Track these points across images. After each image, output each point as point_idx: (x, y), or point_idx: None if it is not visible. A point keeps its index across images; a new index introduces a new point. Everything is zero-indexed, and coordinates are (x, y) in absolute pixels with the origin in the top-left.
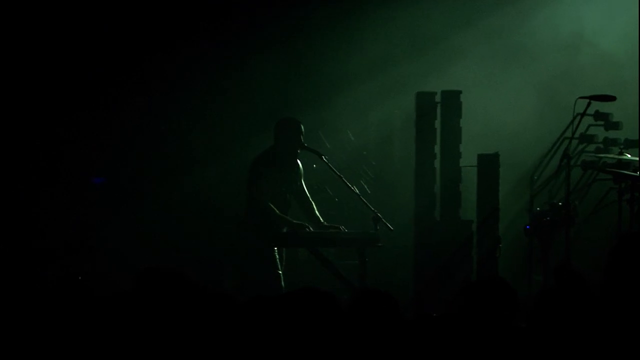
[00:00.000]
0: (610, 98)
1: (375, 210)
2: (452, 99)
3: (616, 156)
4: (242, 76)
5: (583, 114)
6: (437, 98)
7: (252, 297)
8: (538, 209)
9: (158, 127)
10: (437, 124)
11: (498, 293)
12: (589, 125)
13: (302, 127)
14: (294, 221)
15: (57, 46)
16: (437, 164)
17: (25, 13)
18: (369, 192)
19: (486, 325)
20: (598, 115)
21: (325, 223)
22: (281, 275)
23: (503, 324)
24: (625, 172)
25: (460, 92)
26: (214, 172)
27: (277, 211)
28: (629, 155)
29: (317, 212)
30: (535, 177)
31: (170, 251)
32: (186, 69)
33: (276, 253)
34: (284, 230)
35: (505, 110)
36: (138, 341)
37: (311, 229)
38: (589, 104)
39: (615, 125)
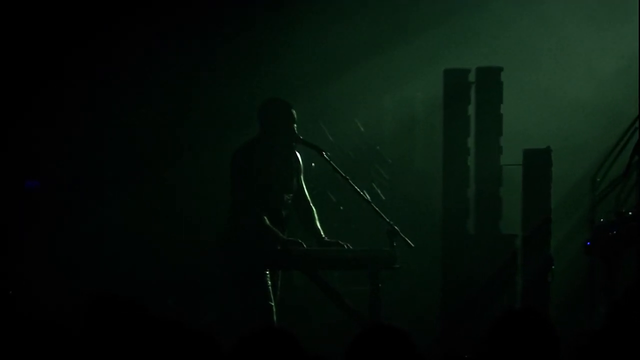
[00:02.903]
0: None
1: (392, 222)
2: (490, 77)
3: None
4: (222, 54)
5: None
6: (471, 77)
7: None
8: (602, 220)
9: (124, 118)
10: (471, 110)
11: (530, 330)
12: None
13: (294, 113)
14: (285, 237)
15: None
16: (471, 162)
17: None
18: (384, 198)
19: None
20: None
21: (327, 238)
22: (273, 308)
23: None
24: None
25: (501, 69)
26: (191, 171)
27: (267, 221)
28: None
29: (317, 222)
30: (598, 179)
31: (134, 274)
32: (157, 47)
33: (269, 278)
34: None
35: (557, 93)
36: None
37: (305, 246)
38: None
39: None
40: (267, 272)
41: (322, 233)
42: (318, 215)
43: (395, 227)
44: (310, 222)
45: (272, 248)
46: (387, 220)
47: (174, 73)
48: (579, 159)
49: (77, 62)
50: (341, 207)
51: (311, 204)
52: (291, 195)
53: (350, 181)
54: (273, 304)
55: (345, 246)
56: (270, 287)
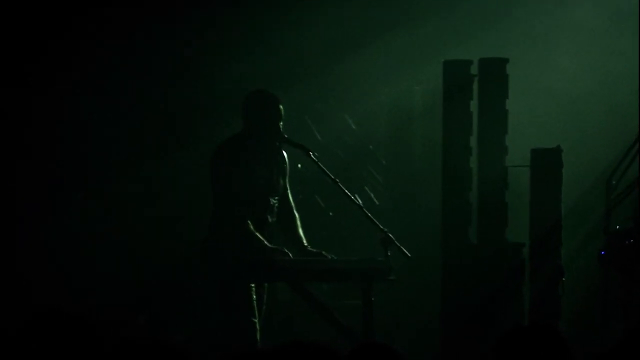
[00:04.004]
0: None
1: (386, 229)
2: (495, 70)
3: None
4: (201, 46)
5: None
6: (474, 69)
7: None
8: (618, 227)
9: (84, 114)
10: (474, 106)
11: (542, 346)
12: None
13: (282, 108)
14: (269, 245)
15: None
16: (473, 162)
17: None
18: (377, 203)
19: None
20: None
21: (310, 247)
22: (257, 324)
23: None
24: None
25: (506, 60)
26: (167, 172)
27: (252, 226)
28: None
29: (300, 229)
30: (614, 182)
31: (99, 284)
32: (127, 37)
33: (254, 292)
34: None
35: (568, 87)
36: None
37: (291, 255)
38: None
39: None
40: (252, 284)
41: (304, 241)
42: (304, 222)
43: (390, 235)
44: (292, 229)
45: (257, 258)
46: (381, 227)
47: (160, 67)
48: (592, 159)
49: (59, 58)
50: (330, 213)
51: (294, 210)
52: (277, 199)
53: (340, 184)
54: (257, 320)
55: (329, 257)
56: (254, 301)
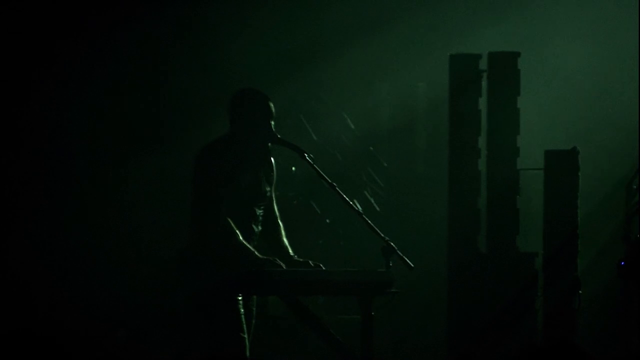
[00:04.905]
0: None
1: (387, 238)
2: (505, 65)
3: None
4: (195, 44)
5: None
6: (483, 64)
7: None
8: (638, 236)
9: (83, 114)
10: (483, 103)
11: None
12: None
13: (272, 107)
14: (260, 255)
15: None
16: (482, 165)
17: None
18: (378, 209)
19: None
20: None
21: (296, 257)
22: (246, 340)
23: None
24: None
25: (518, 54)
26: (167, 172)
27: (240, 236)
28: None
29: (285, 238)
30: (634, 187)
31: (73, 299)
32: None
33: (241, 306)
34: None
35: (585, 83)
36: None
37: (284, 266)
38: None
39: None
40: (240, 297)
41: (290, 250)
42: (298, 229)
43: (392, 244)
44: (276, 238)
45: (247, 270)
46: (382, 235)
47: (157, 66)
48: (611, 162)
49: (56, 59)
50: (327, 220)
51: (279, 219)
52: (263, 207)
53: (338, 188)
54: (246, 335)
55: (313, 265)
56: (242, 316)
